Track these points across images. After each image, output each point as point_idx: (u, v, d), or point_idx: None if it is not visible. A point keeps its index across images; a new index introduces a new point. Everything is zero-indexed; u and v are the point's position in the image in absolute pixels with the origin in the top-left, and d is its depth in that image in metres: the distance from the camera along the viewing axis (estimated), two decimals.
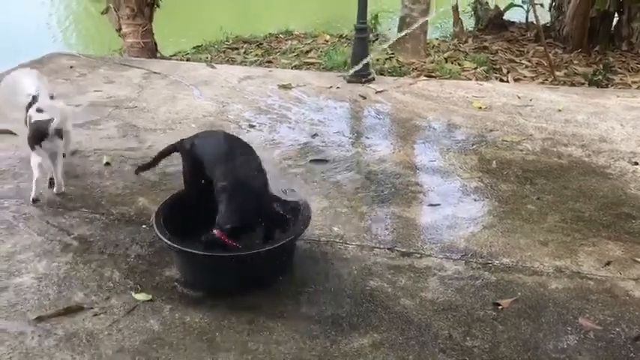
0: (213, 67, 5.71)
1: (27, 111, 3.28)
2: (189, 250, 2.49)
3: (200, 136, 2.91)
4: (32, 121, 3.18)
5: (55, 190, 3.27)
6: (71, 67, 5.44)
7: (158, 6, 6.76)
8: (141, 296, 2.51)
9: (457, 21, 7.52)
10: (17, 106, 3.38)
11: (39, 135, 3.13)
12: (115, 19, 6.62)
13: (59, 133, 3.20)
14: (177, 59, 6.81)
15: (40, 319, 2.37)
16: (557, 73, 6.14)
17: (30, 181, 3.36)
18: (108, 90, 4.90)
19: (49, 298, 2.50)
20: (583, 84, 5.93)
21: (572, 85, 5.87)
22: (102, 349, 2.24)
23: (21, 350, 2.22)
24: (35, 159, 3.16)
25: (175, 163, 3.63)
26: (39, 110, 3.21)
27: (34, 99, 3.31)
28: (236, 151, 2.70)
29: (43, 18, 10.15)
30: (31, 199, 3.16)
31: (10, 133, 4.01)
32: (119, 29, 6.63)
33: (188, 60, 6.78)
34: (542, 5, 7.68)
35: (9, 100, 3.50)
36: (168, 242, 2.48)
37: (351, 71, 5.15)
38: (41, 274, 2.64)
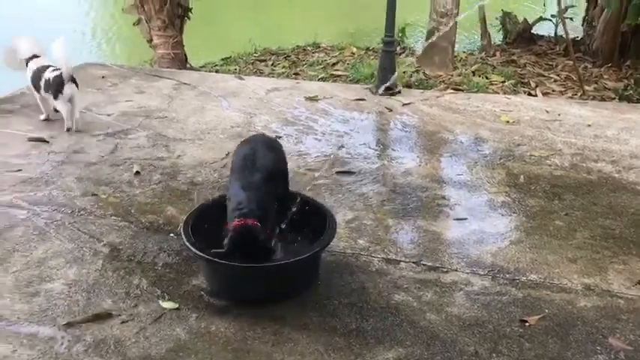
0: (241, 78, 5.78)
1: (27, 64, 4.34)
2: (216, 260, 2.51)
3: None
4: (51, 77, 4.16)
5: (73, 127, 4.25)
6: (103, 77, 5.55)
7: (189, 18, 6.88)
8: (168, 304, 2.54)
9: (485, 34, 7.50)
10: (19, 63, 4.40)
11: (60, 84, 4.13)
12: (147, 31, 6.74)
13: (73, 79, 4.19)
14: (206, 70, 6.90)
15: (69, 324, 2.42)
16: (586, 88, 6.07)
17: (60, 190, 3.45)
18: (139, 100, 4.99)
19: (79, 304, 2.54)
20: (613, 99, 5.84)
21: (602, 99, 5.79)
22: (129, 356, 2.27)
23: (51, 355, 2.26)
24: (61, 104, 4.19)
25: (203, 173, 3.69)
26: (54, 69, 4.21)
27: (35, 56, 4.36)
28: (250, 158, 2.71)
29: (78, 28, 10.38)
30: (65, 128, 4.22)
31: (43, 141, 4.11)
32: (150, 40, 6.75)
33: (217, 71, 6.87)
34: (571, 19, 7.62)
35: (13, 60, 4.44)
36: (196, 251, 2.51)
37: (381, 88, 5.11)
38: (71, 280, 2.69)
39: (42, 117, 4.45)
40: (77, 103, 4.26)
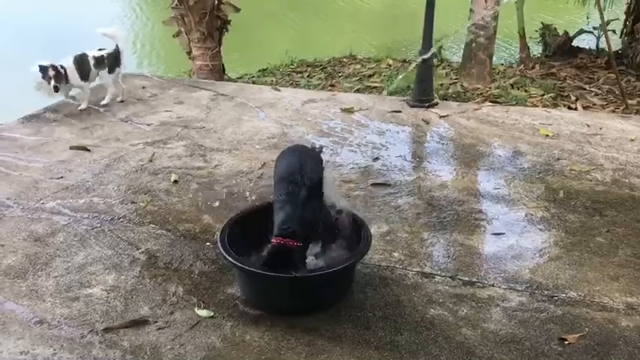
0: (277, 90, 5.83)
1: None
2: (250, 269, 2.53)
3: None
4: (104, 54, 4.91)
5: (120, 98, 5.16)
6: (143, 87, 5.67)
7: (227, 30, 7.00)
8: (203, 312, 2.56)
9: (524, 47, 7.41)
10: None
11: (117, 56, 5.00)
12: (186, 42, 6.89)
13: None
14: (243, 82, 7.00)
15: (107, 330, 2.46)
16: (629, 102, 5.94)
17: (100, 197, 3.54)
18: (177, 110, 5.08)
19: (117, 310, 2.59)
20: None
21: None
22: None
23: (89, 359, 2.31)
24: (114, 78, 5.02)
25: (239, 183, 3.73)
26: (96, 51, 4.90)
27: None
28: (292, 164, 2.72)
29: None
30: (102, 103, 5.01)
31: (85, 149, 4.22)
32: (189, 52, 6.89)
33: (254, 83, 6.96)
34: (614, 31, 7.47)
35: None
36: (231, 260, 2.53)
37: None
38: (110, 286, 2.75)
39: (84, 106, 4.95)
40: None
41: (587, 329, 2.48)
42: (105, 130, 4.62)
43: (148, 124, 4.75)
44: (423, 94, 5.17)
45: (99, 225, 3.25)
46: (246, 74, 7.64)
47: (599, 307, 2.62)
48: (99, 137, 4.46)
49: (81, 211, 3.40)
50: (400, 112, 5.07)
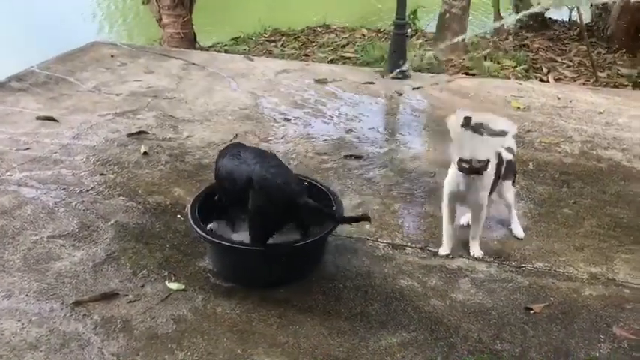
0: (250, 59, 5.75)
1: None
2: (222, 242, 2.53)
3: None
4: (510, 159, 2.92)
5: None
6: (112, 56, 5.54)
7: None
8: (174, 285, 2.56)
9: (497, 18, 7.41)
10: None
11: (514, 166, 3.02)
12: (156, 10, 6.70)
13: None
14: (215, 51, 6.87)
15: (77, 303, 2.45)
16: (599, 74, 6.00)
17: (68, 169, 3.47)
18: (147, 80, 4.98)
19: (86, 283, 2.57)
20: (626, 86, 5.78)
21: (615, 86, 5.73)
22: (135, 335, 2.30)
23: (58, 333, 2.29)
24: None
25: (210, 155, 3.70)
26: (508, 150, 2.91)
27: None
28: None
29: (89, 7, 10.36)
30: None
31: (52, 120, 4.13)
32: (159, 19, 6.72)
33: (226, 52, 6.84)
34: (590, 5, 7.50)
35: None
36: (202, 233, 2.53)
37: (394, 73, 5.06)
38: (79, 259, 2.72)
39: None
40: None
41: (552, 299, 2.55)
42: (73, 100, 4.52)
43: (117, 94, 4.66)
44: (396, 65, 5.15)
45: (67, 197, 3.20)
46: (219, 43, 7.49)
47: (564, 277, 2.69)
48: (66, 107, 4.36)
49: (48, 183, 3.34)
50: (374, 83, 5.06)
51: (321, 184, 2.89)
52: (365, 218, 2.59)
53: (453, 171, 2.73)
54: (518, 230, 2.99)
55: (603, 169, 3.69)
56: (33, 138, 3.86)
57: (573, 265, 2.77)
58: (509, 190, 2.97)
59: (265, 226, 2.49)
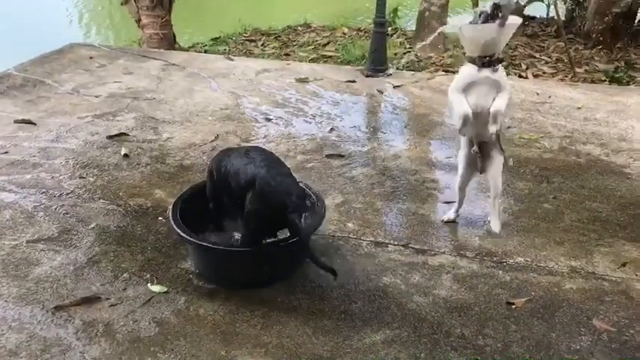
0: (230, 59, 5.73)
1: None
2: (204, 244, 2.52)
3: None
4: None
5: None
6: (91, 57, 5.49)
7: None
8: (156, 288, 2.54)
9: (477, 15, 7.47)
10: None
11: None
12: (135, 10, 6.65)
13: None
14: (195, 51, 6.84)
15: (58, 308, 2.42)
16: (577, 70, 6.07)
17: (48, 172, 3.43)
18: (127, 81, 4.94)
19: (67, 287, 2.54)
20: (604, 81, 5.85)
21: (593, 82, 5.80)
22: (118, 339, 2.27)
23: (39, 338, 2.26)
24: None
25: (191, 156, 3.68)
26: None
27: None
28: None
29: (68, 8, 10.25)
30: None
31: (31, 123, 4.07)
32: (138, 20, 6.67)
33: (206, 52, 6.82)
34: (563, 1, 7.59)
35: None
36: (184, 235, 2.51)
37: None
38: (60, 263, 2.69)
39: None
40: None
41: (533, 293, 2.57)
42: (51, 102, 4.47)
43: (97, 96, 4.61)
44: (377, 64, 5.17)
45: (47, 201, 3.16)
46: (198, 43, 7.46)
47: (545, 271, 2.72)
48: (45, 110, 4.31)
49: (27, 187, 3.29)
50: (355, 82, 5.07)
51: (313, 192, 2.83)
52: (332, 272, 2.48)
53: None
54: (495, 223, 2.97)
55: (582, 164, 3.73)
56: (11, 141, 3.81)
57: (554, 260, 2.80)
58: (499, 169, 2.92)
59: (259, 229, 2.47)
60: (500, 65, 2.70)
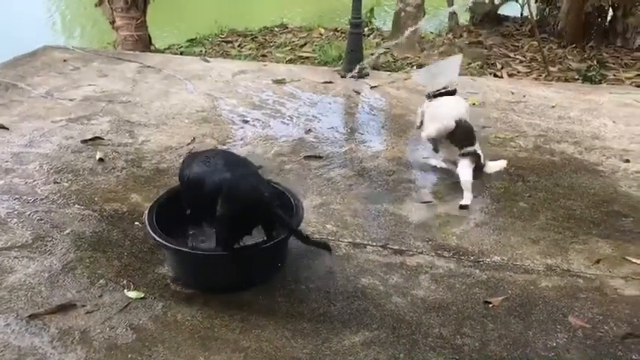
0: (207, 61, 5.70)
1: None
2: (181, 249, 2.50)
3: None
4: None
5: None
6: (65, 60, 5.41)
7: None
8: (133, 294, 2.51)
9: (452, 15, 7.53)
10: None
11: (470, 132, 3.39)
12: (109, 12, 6.57)
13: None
14: (170, 53, 6.78)
15: (32, 316, 2.38)
16: (551, 69, 6.16)
17: (21, 178, 3.37)
18: (102, 84, 4.88)
19: (42, 295, 2.50)
20: (577, 80, 5.94)
21: (566, 80, 5.89)
22: (95, 346, 2.25)
23: (13, 348, 2.23)
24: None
25: (167, 159, 3.65)
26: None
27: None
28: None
29: (42, 11, 10.10)
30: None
31: (3, 127, 4.00)
32: (113, 22, 6.59)
33: (182, 53, 6.77)
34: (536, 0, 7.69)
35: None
36: (160, 240, 2.49)
37: (349, 75, 5.04)
38: (34, 271, 2.64)
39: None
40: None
41: (509, 292, 2.60)
42: (24, 106, 4.40)
43: (71, 100, 4.55)
44: (353, 64, 5.18)
45: (20, 207, 3.11)
46: (174, 45, 7.39)
47: (521, 269, 2.75)
48: (17, 114, 4.24)
49: (0, 193, 3.23)
50: (332, 82, 5.07)
51: (284, 189, 2.86)
52: (327, 248, 2.58)
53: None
54: (466, 196, 3.24)
55: (556, 163, 3.78)
56: None
57: (530, 258, 2.83)
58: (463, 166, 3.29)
59: (233, 232, 2.46)
60: None
